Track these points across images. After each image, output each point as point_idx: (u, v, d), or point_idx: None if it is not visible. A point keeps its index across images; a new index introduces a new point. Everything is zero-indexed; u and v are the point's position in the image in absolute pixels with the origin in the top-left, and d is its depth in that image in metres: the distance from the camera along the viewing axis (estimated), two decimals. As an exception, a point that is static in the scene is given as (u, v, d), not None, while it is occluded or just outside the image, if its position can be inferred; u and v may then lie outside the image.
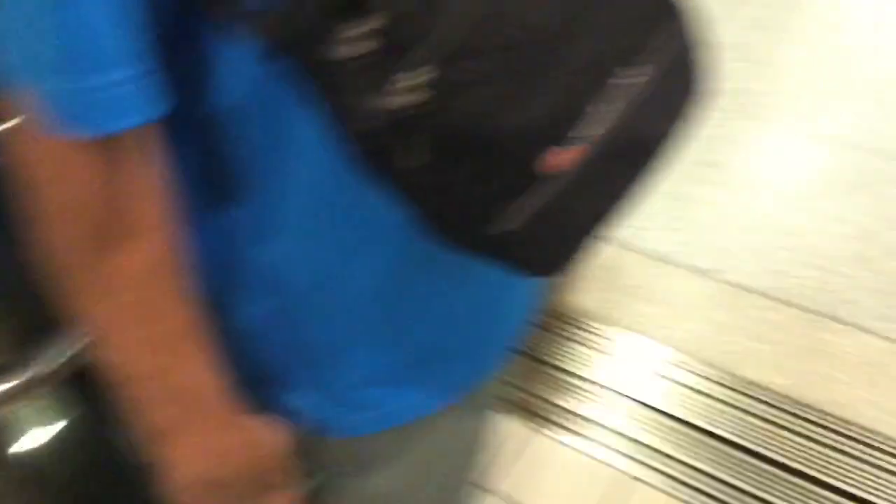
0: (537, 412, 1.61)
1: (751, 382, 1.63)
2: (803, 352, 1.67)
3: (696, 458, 1.51)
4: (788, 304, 1.76)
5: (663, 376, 1.65)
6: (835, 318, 1.72)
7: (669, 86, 0.58)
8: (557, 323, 1.76)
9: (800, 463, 1.49)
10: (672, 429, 1.56)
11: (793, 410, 1.57)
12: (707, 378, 1.64)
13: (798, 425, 1.55)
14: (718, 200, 2.01)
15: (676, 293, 1.81)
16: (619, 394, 1.63)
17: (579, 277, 1.85)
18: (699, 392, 1.61)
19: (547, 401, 1.63)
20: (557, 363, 1.69)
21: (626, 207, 0.60)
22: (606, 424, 1.58)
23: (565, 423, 1.59)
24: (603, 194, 0.58)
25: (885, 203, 1.94)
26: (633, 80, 0.54)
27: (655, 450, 1.53)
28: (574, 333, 1.74)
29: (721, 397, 1.60)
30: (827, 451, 1.51)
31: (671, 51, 0.56)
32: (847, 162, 2.07)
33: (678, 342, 1.71)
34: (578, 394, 1.63)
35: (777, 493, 1.45)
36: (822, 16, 2.52)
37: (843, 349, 1.66)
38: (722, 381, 1.63)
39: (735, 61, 2.39)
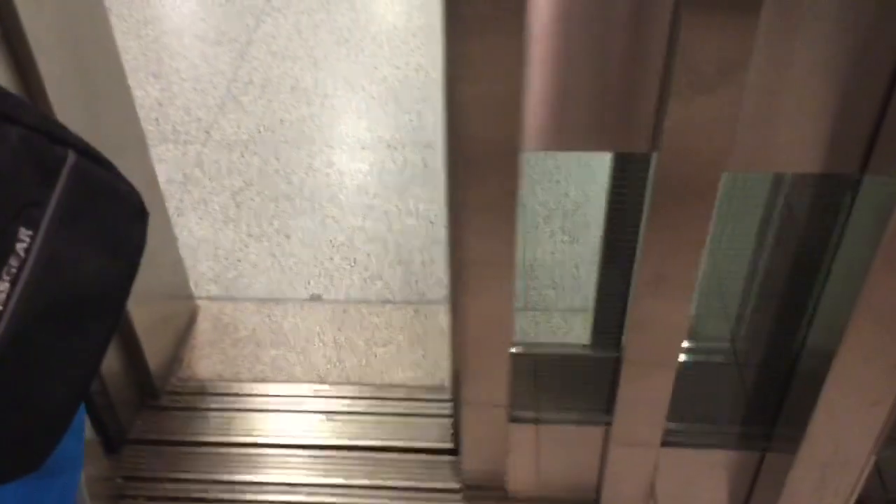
0: (193, 497, 1.54)
1: (383, 385, 1.72)
2: (415, 342, 1.81)
3: (366, 477, 1.57)
4: (388, 303, 1.89)
5: (307, 412, 1.67)
6: (429, 302, 1.89)
7: (87, 222, 0.55)
8: (186, 398, 1.69)
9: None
10: (334, 458, 1.59)
11: (427, 397, 1.70)
12: (347, 397, 1.69)
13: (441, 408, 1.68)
14: (300, 227, 2.08)
15: (291, 328, 1.84)
16: (271, 445, 1.61)
17: (192, 346, 1.79)
18: (346, 413, 1.66)
19: (200, 481, 1.56)
20: (201, 438, 1.62)
21: (97, 355, 0.58)
22: (267, 481, 1.56)
23: (224, 496, 1.54)
24: (52, 367, 0.54)
25: (438, 188, 2.17)
26: (28, 242, 0.50)
27: (325, 485, 1.55)
28: (207, 401, 1.68)
29: (366, 409, 1.67)
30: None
31: (71, 190, 0.53)
32: (398, 160, 2.26)
33: (309, 374, 1.74)
34: (232, 461, 1.59)
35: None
36: (328, 38, 2.71)
37: (442, 327, 1.83)
38: (361, 395, 1.70)
39: (271, 94, 2.47)
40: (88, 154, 0.55)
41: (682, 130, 0.97)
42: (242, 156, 2.27)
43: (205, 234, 2.06)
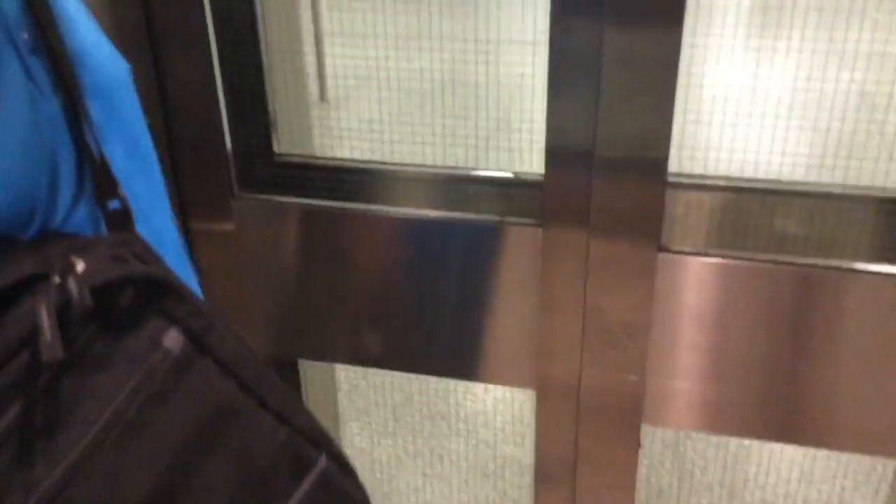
0: None
1: None
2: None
3: None
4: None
5: None
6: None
7: None
8: None
9: None
10: None
11: None
12: None
13: None
14: (453, 449, 2.10)
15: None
16: None
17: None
18: None
19: None
20: None
21: None
22: None
23: None
24: None
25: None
26: None
27: None
28: None
29: None
30: None
31: (314, 490, 0.59)
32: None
33: None
34: None
35: None
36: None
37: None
38: None
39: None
40: (336, 459, 0.61)
41: (597, 381, 1.08)
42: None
43: (364, 445, 2.12)
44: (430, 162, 1.47)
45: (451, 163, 1.48)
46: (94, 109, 0.58)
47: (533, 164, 1.11)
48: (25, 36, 0.53)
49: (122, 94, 0.65)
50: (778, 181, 1.08)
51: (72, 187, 0.55)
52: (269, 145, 1.21)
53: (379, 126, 1.52)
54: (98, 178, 0.56)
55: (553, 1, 0.96)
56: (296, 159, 1.25)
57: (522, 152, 1.39)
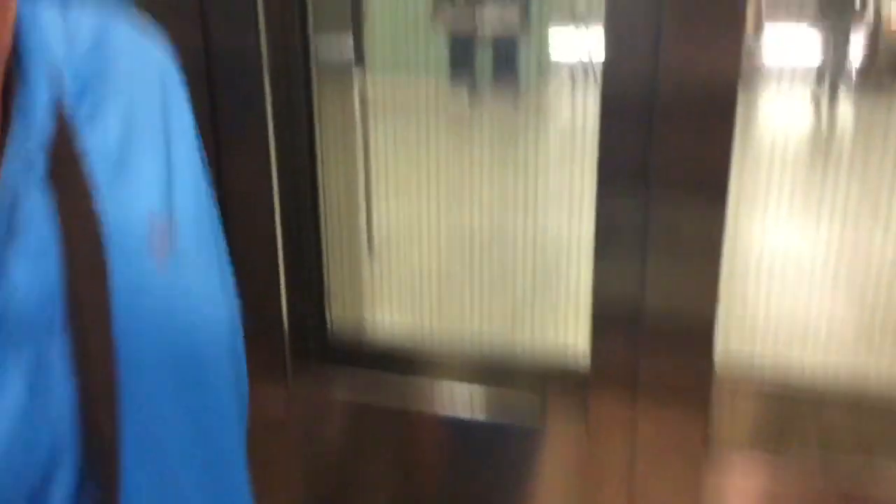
0: None
1: None
2: None
3: None
4: None
5: None
6: None
7: None
8: None
9: None
10: None
11: None
12: None
13: None
14: None
15: None
16: None
17: None
18: None
19: None
20: None
21: None
22: None
23: None
24: None
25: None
26: None
27: None
28: None
29: None
30: None
31: None
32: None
33: None
34: None
35: None
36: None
37: None
38: None
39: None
40: None
41: None
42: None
43: None
44: (471, 320, 1.47)
45: (493, 321, 1.48)
46: (146, 383, 0.42)
47: (579, 323, 1.10)
48: (52, 314, 0.39)
49: (205, 366, 0.47)
50: (825, 385, 1.05)
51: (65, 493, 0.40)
52: (323, 318, 1.23)
53: (420, 282, 1.54)
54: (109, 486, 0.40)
55: (599, 174, 0.98)
56: (346, 337, 1.28)
57: (567, 312, 1.40)
